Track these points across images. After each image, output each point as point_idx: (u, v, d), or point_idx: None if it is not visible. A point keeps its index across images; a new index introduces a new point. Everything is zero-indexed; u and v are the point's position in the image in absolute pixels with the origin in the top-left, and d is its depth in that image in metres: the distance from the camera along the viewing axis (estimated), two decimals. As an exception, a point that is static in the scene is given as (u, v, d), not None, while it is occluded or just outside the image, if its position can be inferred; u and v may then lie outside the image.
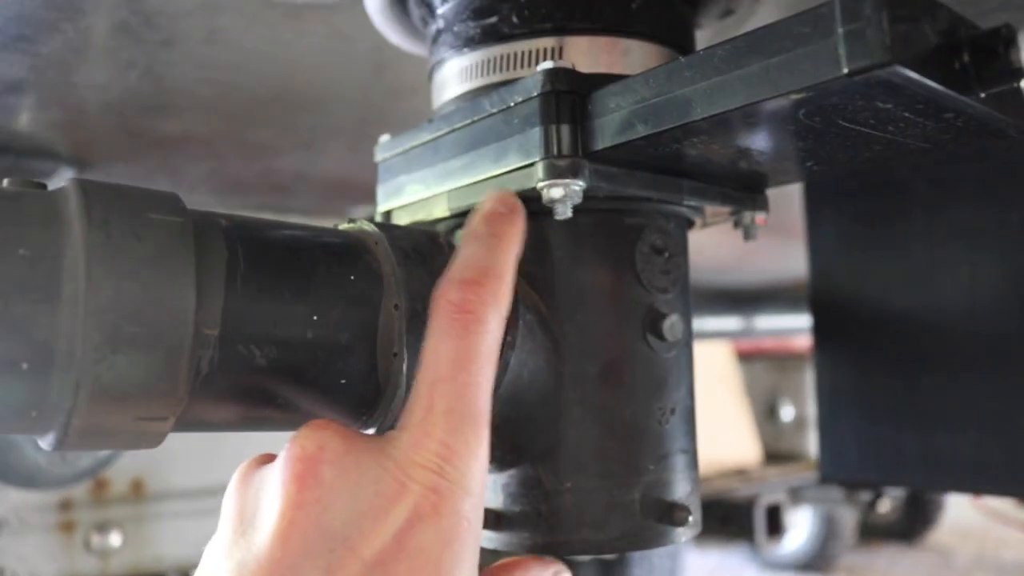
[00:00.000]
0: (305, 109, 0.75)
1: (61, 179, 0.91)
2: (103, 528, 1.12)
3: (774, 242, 1.40)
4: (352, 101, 0.73)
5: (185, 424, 0.33)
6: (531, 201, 0.38)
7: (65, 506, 1.10)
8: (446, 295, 0.34)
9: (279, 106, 0.74)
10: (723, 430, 2.66)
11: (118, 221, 0.30)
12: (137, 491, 1.15)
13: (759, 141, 0.36)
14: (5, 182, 0.31)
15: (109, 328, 0.29)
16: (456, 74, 0.44)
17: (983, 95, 0.31)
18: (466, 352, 0.33)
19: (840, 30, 0.28)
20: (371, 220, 0.39)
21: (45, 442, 0.31)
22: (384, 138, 0.48)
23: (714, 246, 1.36)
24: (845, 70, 0.28)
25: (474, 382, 0.33)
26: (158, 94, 0.69)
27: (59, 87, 0.67)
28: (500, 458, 0.40)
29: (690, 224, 0.46)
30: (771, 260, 1.72)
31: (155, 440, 0.32)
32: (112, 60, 0.62)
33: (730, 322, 2.07)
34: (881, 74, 0.28)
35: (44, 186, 0.32)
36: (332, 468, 0.31)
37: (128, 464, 1.14)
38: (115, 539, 1.12)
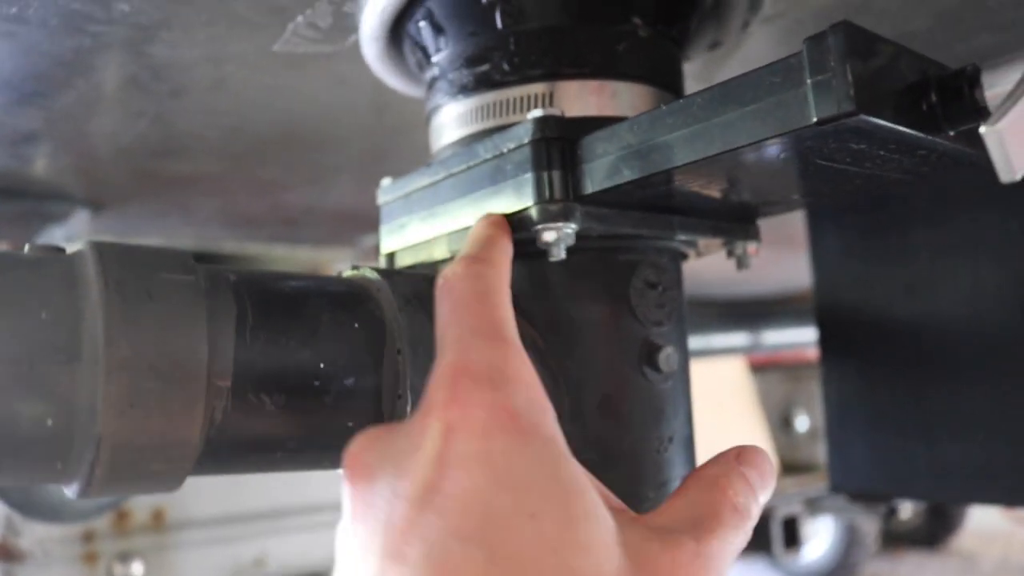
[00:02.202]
0: (311, 148, 0.77)
1: (77, 220, 0.94)
2: (125, 558, 1.13)
3: (779, 254, 1.41)
4: (356, 140, 0.75)
5: (201, 469, 0.34)
6: (527, 242, 0.40)
7: (88, 537, 1.12)
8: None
9: (285, 146, 0.76)
10: (737, 442, 2.65)
11: (133, 282, 0.32)
12: (158, 521, 1.17)
13: (743, 180, 0.38)
14: (26, 248, 0.33)
15: (127, 384, 0.30)
16: (452, 120, 0.46)
17: (951, 133, 0.32)
18: (458, 303, 0.33)
19: (808, 81, 0.30)
20: (373, 267, 0.40)
21: (70, 491, 0.32)
22: (385, 181, 0.50)
23: (718, 259, 1.37)
24: (814, 119, 0.29)
25: (476, 313, 0.32)
26: (168, 139, 0.72)
27: (72, 136, 0.69)
28: (505, 490, 0.42)
29: (684, 257, 0.47)
30: (777, 271, 1.73)
31: (174, 485, 0.34)
32: (122, 110, 0.64)
33: (738, 338, 2.06)
34: (849, 122, 0.29)
35: (63, 250, 0.33)
36: (371, 452, 0.31)
37: (149, 495, 1.16)
38: (137, 569, 1.14)
